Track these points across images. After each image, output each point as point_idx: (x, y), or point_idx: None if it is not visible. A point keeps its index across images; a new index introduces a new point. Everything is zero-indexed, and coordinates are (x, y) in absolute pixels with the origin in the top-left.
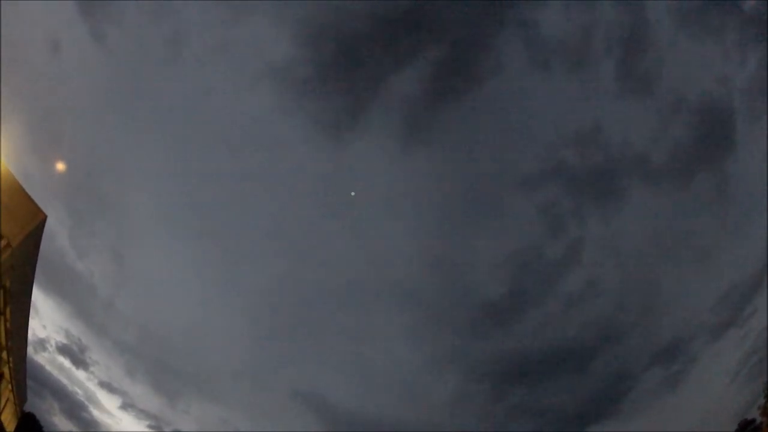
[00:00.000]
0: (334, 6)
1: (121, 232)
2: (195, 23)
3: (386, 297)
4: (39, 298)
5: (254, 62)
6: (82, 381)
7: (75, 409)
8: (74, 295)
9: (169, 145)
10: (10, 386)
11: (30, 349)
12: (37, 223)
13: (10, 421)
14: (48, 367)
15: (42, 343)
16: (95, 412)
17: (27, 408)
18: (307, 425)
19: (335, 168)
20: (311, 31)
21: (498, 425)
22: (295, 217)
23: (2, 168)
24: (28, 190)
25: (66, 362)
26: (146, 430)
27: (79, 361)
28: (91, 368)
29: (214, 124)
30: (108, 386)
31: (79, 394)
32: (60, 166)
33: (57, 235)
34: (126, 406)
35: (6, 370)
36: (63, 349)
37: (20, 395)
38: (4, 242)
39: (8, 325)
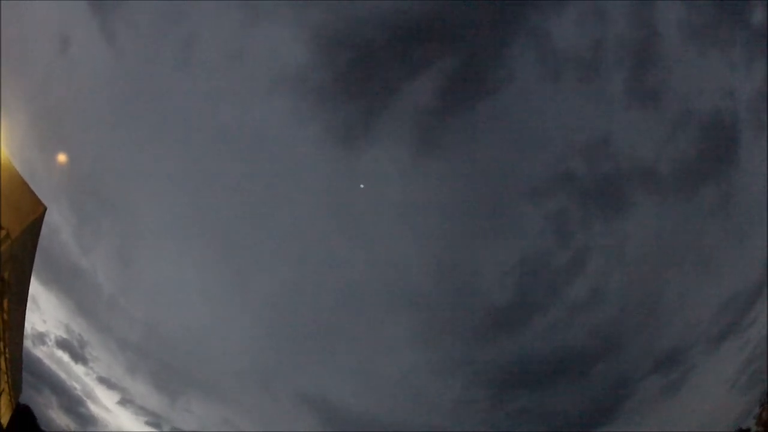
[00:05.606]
0: (349, 14)
1: (127, 232)
2: (209, 27)
3: (393, 302)
4: (40, 293)
5: (268, 68)
6: (80, 376)
7: (72, 403)
8: (77, 291)
9: (178, 148)
10: (5, 377)
11: (29, 343)
12: (38, 214)
13: (5, 413)
14: (46, 361)
15: (41, 337)
16: (92, 407)
17: (23, 400)
18: (310, 427)
19: (346, 175)
20: (327, 39)
21: (501, 428)
22: (304, 222)
23: (3, 158)
24: (32, 186)
25: (65, 357)
26: (145, 428)
27: (78, 356)
28: (91, 364)
29: (225, 128)
30: (107, 382)
31: (77, 388)
32: (65, 162)
33: (61, 231)
34: (124, 401)
35: (2, 361)
36: (62, 344)
37: (16, 387)
38: (3, 233)
39: (5, 316)
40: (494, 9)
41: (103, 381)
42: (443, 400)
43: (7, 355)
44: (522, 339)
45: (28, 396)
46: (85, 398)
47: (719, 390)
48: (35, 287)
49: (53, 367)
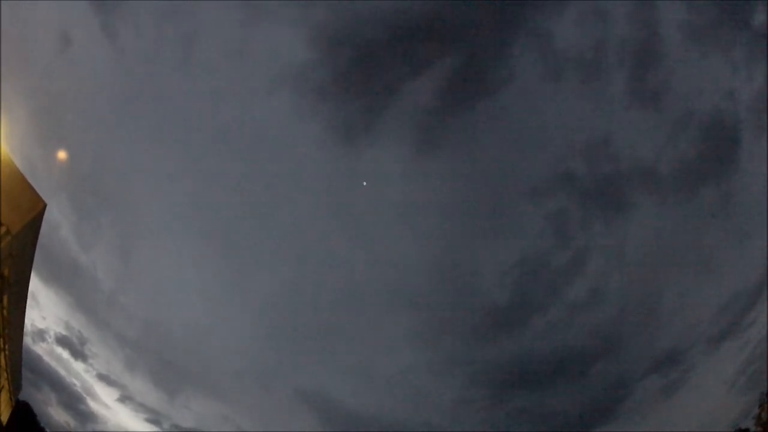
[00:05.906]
0: (350, 14)
1: (127, 230)
2: (210, 26)
3: (393, 302)
4: (39, 289)
5: (269, 67)
6: (79, 372)
7: (72, 400)
8: (76, 288)
9: (179, 148)
10: (5, 374)
11: (28, 340)
12: (38, 211)
13: (4, 409)
14: (46, 358)
15: (41, 334)
16: (92, 404)
17: (22, 397)
18: (309, 425)
19: (347, 174)
20: (327, 38)
21: (500, 428)
22: (304, 222)
23: (3, 155)
24: (33, 182)
25: (64, 353)
26: (145, 424)
27: (77, 353)
28: (90, 360)
29: (225, 127)
30: (106, 379)
31: (77, 385)
32: (65, 159)
33: (61, 228)
34: (123, 398)
35: (2, 358)
36: (62, 341)
37: (15, 383)
38: (3, 229)
39: (5, 313)
40: (494, 9)
41: (102, 378)
42: (443, 399)
43: (7, 352)
44: (522, 339)
45: (27, 393)
46: (84, 395)
47: (718, 390)
48: (35, 284)
49: (53, 363)
